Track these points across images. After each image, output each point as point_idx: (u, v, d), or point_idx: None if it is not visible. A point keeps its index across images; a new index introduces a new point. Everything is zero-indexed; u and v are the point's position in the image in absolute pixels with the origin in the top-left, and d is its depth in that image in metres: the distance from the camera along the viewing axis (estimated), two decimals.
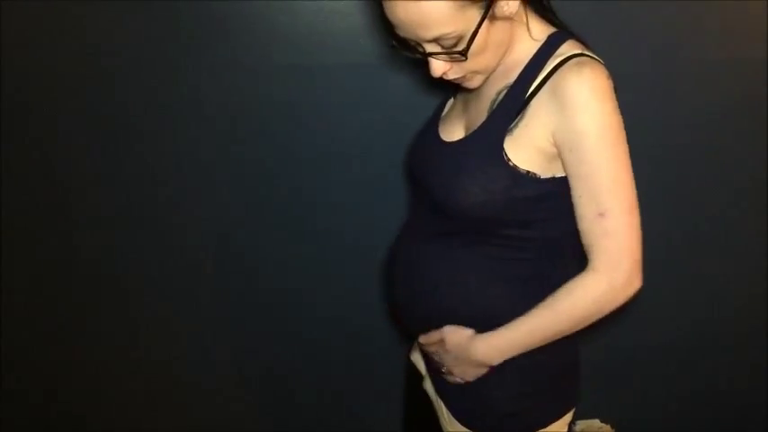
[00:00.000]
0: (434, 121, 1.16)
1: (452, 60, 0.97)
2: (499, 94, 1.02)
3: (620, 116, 0.95)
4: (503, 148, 0.98)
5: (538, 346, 1.02)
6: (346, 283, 1.59)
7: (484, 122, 1.02)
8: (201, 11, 1.39)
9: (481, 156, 0.99)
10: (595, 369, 1.52)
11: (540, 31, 1.01)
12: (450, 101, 1.19)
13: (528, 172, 0.97)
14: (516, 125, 0.98)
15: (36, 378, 1.67)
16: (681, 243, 1.58)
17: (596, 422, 1.69)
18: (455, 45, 0.94)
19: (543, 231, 1.02)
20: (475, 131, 1.03)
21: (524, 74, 1.00)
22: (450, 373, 1.10)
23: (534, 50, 1.00)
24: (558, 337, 1.02)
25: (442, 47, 0.95)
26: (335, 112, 1.46)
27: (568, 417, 1.13)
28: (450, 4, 0.90)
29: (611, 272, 0.96)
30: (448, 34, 0.92)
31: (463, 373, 1.08)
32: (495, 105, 1.02)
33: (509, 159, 0.97)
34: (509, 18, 0.97)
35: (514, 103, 0.99)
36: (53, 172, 1.51)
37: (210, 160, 1.50)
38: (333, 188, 1.52)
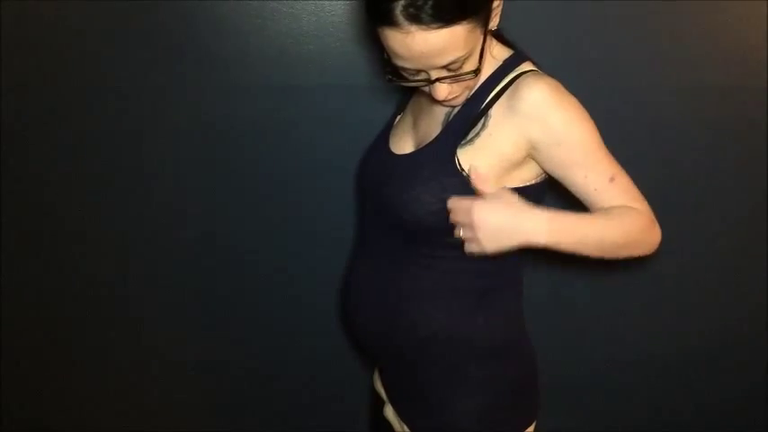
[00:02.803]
0: (384, 135, 1.19)
1: (458, 81, 1.00)
2: (454, 107, 1.06)
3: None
4: (456, 158, 1.01)
5: (580, 246, 0.98)
6: (317, 300, 1.59)
7: (439, 134, 1.05)
8: (173, 32, 1.41)
9: (436, 165, 1.03)
10: (561, 382, 1.55)
11: (498, 51, 1.07)
12: (398, 117, 1.22)
13: None
14: (478, 135, 1.01)
15: (35, 378, 1.66)
16: (676, 263, 1.56)
17: None
18: (462, 66, 0.97)
19: None
20: (430, 143, 1.06)
21: (482, 89, 1.04)
22: (471, 239, 0.96)
23: (492, 69, 1.05)
24: (599, 249, 0.99)
25: (450, 70, 0.97)
26: (305, 133, 1.48)
27: (531, 429, 1.16)
28: (466, 27, 0.93)
29: (648, 214, 1.03)
30: (461, 57, 0.96)
31: (492, 241, 0.95)
32: (450, 117, 1.06)
33: (462, 169, 1.01)
34: (491, 33, 1.02)
35: (469, 115, 1.03)
36: (51, 173, 1.52)
37: (185, 173, 1.52)
38: (304, 207, 1.54)
